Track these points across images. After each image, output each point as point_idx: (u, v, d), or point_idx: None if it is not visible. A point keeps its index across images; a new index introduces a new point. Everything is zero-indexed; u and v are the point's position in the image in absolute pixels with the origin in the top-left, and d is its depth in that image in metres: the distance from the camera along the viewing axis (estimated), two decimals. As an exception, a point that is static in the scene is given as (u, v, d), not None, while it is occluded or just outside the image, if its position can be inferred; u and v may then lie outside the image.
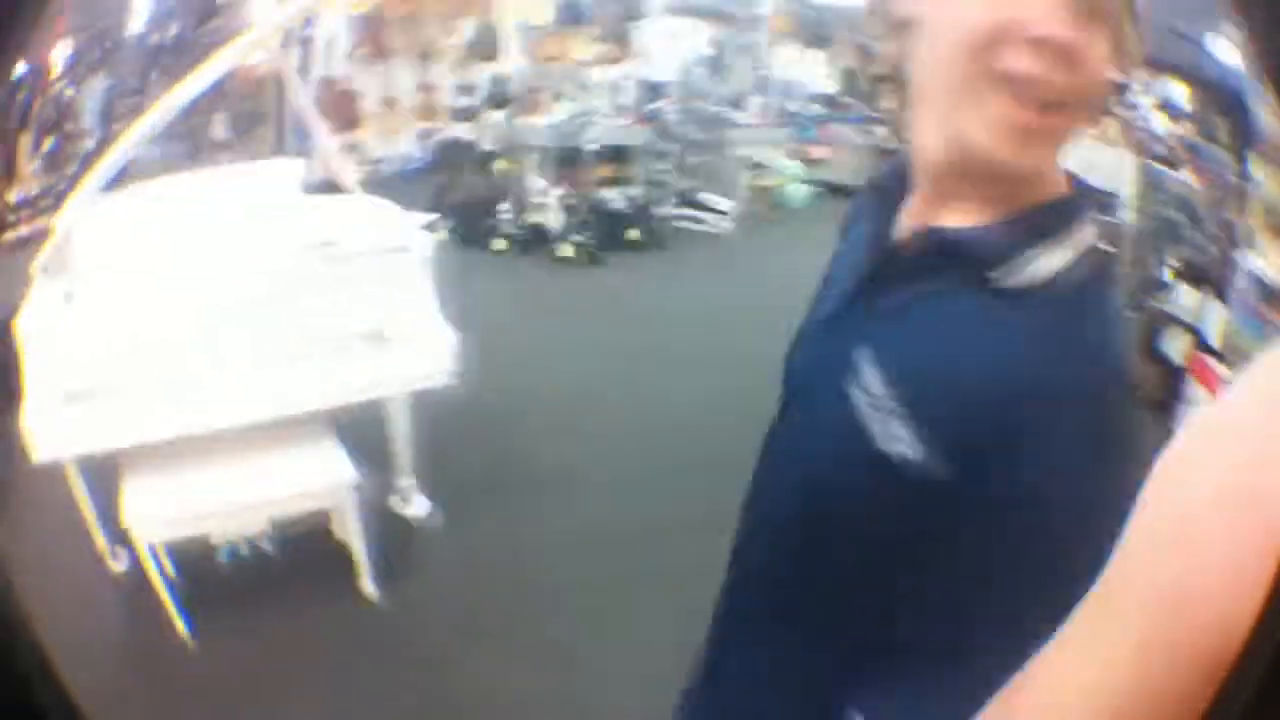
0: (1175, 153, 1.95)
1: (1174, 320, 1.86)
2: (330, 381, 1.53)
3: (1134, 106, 1.94)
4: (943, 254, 0.54)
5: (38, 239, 1.62)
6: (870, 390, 0.53)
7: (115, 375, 1.32)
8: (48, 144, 2.21)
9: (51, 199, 1.94)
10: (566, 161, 2.66)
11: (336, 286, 1.52)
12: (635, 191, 2.66)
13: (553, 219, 2.66)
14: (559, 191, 2.64)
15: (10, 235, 1.82)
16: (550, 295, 2.67)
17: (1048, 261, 0.53)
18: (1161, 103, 1.94)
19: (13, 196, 1.99)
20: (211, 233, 1.57)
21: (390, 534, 1.81)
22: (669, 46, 2.73)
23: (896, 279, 0.56)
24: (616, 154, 2.54)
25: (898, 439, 0.52)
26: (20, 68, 1.65)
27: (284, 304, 1.51)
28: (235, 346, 1.49)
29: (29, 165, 2.15)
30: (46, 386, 1.32)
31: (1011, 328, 0.53)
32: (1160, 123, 1.95)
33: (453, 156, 2.70)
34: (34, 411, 1.33)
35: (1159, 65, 1.84)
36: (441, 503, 1.92)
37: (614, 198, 2.59)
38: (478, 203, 2.77)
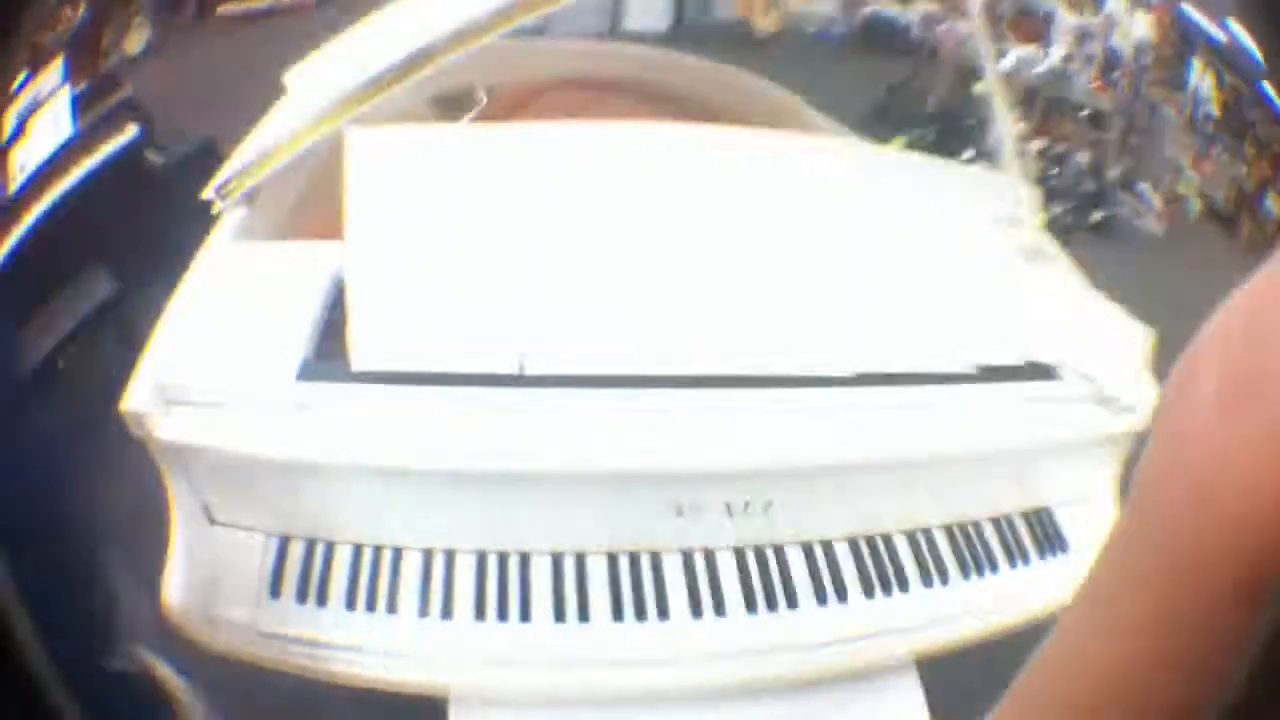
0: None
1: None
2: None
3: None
4: None
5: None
6: None
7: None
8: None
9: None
10: (1052, 108, 2.05)
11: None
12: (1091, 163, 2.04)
13: (1030, 171, 1.97)
14: (1040, 142, 2.06)
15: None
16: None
17: None
18: None
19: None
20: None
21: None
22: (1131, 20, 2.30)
23: None
24: (1093, 118, 2.04)
25: None
26: None
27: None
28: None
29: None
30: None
31: None
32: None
33: (878, 39, 2.01)
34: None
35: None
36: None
37: (1084, 166, 2.02)
38: (946, 120, 2.02)
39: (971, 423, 0.97)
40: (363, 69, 1.02)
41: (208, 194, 1.11)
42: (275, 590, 0.95)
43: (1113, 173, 2.02)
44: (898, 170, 0.94)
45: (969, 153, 2.16)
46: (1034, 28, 2.11)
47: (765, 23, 1.65)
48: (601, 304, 0.87)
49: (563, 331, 0.88)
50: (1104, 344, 1.06)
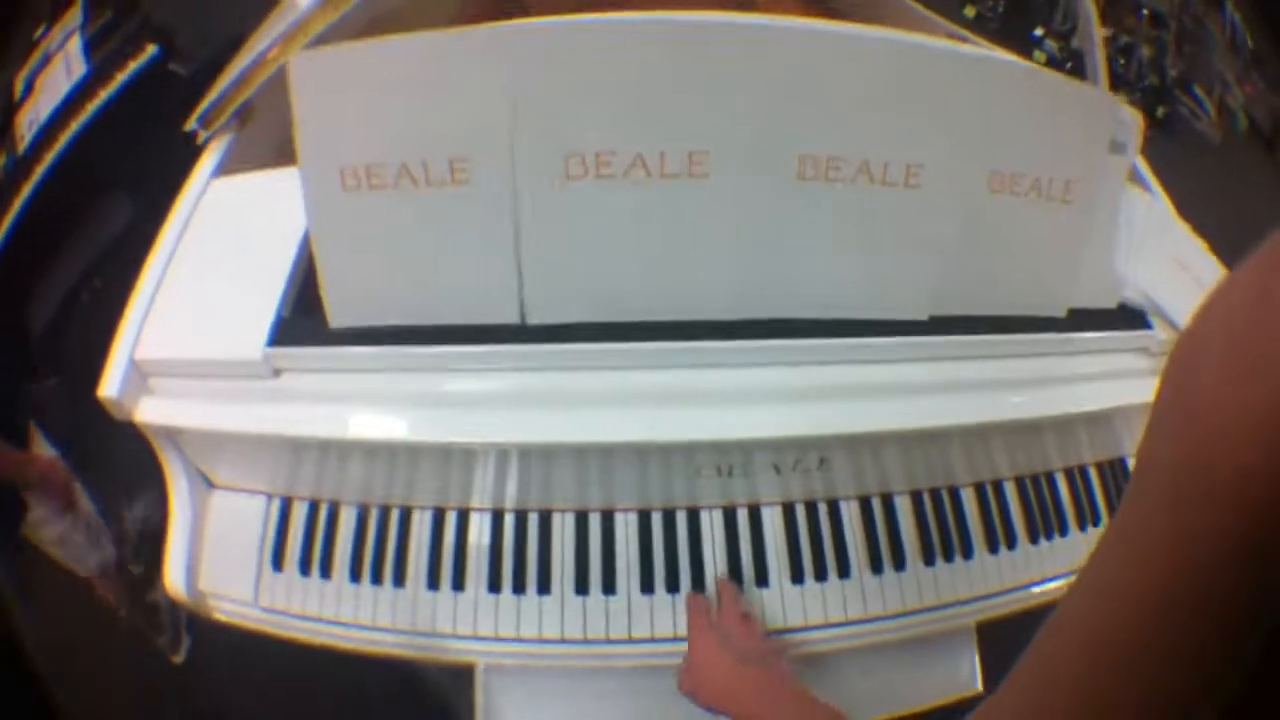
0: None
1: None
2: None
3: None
4: None
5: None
6: None
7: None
8: None
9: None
10: (1115, 1, 2.01)
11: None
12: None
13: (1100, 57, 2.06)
14: (1105, 31, 1.99)
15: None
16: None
17: None
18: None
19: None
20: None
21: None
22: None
23: None
24: (1153, 17, 2.00)
25: None
26: None
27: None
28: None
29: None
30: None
31: None
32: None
33: None
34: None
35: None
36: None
37: (1147, 61, 2.00)
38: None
39: (1058, 376, 0.83)
40: None
41: (191, 124, 0.99)
42: (277, 561, 0.88)
43: (1172, 72, 2.01)
44: (1000, 78, 0.75)
45: (1038, 30, 1.99)
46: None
47: None
48: (615, 239, 0.73)
49: (572, 275, 0.75)
50: (1193, 287, 0.90)
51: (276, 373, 0.79)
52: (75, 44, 1.51)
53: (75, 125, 1.37)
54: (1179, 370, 0.28)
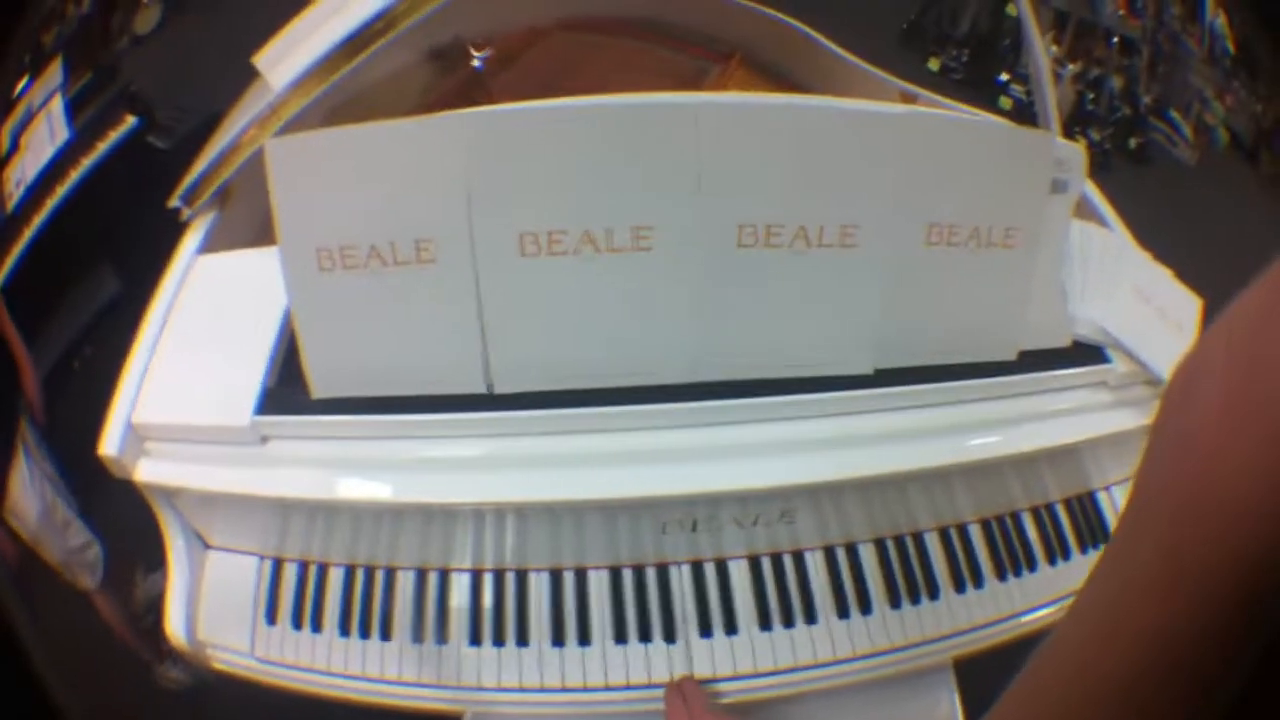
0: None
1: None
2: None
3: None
4: None
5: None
6: None
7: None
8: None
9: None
10: (1083, 33, 2.01)
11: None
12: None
13: (1064, 96, 1.95)
14: (1075, 67, 2.00)
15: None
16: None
17: None
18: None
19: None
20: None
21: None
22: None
23: None
24: (1123, 44, 2.00)
25: None
26: None
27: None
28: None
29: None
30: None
31: None
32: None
33: None
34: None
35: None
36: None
37: (1118, 92, 2.02)
38: (980, 42, 2.01)
39: (1014, 416, 0.85)
40: (327, 38, 0.92)
41: (174, 202, 1.05)
42: (271, 616, 0.93)
43: (1145, 99, 2.01)
44: (931, 133, 0.78)
45: (1004, 76, 2.00)
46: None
47: None
48: (570, 311, 0.77)
49: (533, 345, 0.79)
50: (1154, 317, 0.92)
51: (264, 439, 0.84)
52: (57, 104, 1.56)
53: (61, 191, 1.43)
54: (1178, 395, 0.27)
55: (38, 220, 1.40)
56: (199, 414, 0.85)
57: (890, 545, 0.92)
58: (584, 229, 0.73)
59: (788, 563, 0.89)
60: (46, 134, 1.46)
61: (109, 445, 0.86)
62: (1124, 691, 0.29)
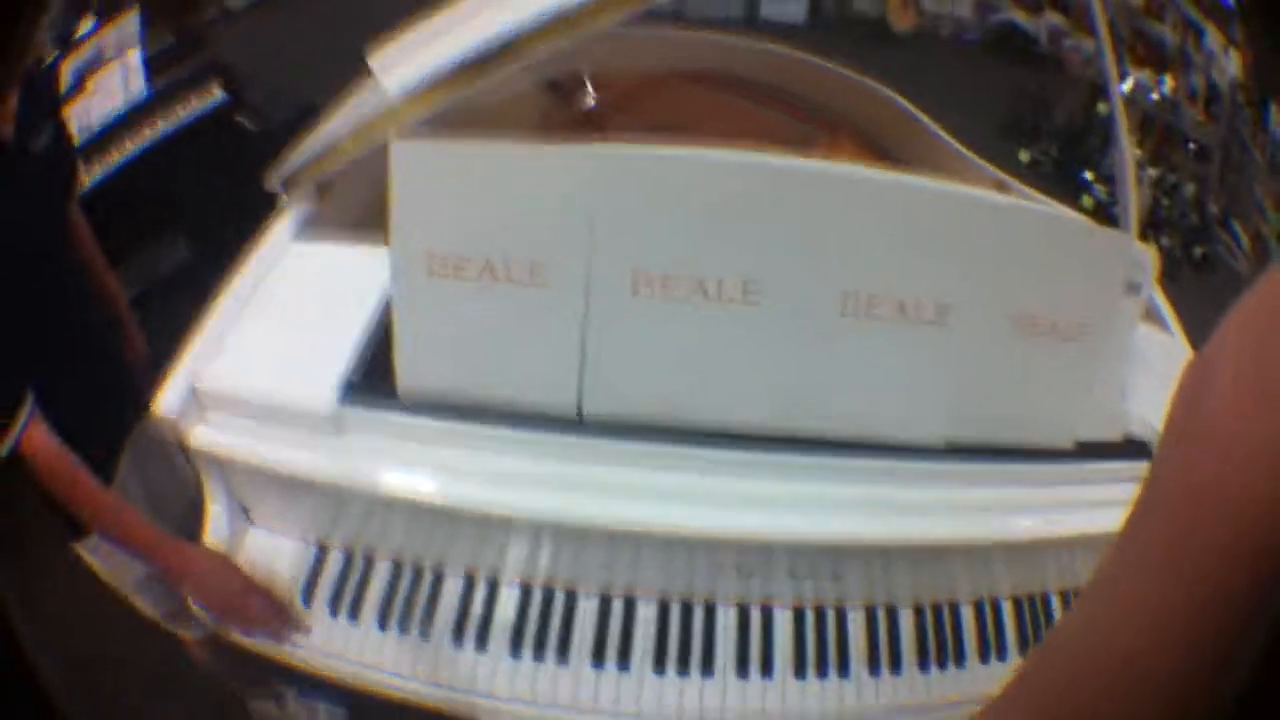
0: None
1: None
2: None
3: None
4: None
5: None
6: None
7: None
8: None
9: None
10: (1166, 138, 2.05)
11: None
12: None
13: (1144, 199, 1.95)
14: (1154, 171, 2.02)
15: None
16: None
17: None
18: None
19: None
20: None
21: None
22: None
23: None
24: (1199, 152, 2.05)
25: None
26: None
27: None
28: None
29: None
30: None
31: None
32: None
33: (1009, 47, 1.98)
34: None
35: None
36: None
37: (1190, 199, 2.06)
38: (1070, 137, 2.00)
39: (1063, 502, 0.89)
40: (451, 53, 0.89)
41: (272, 185, 1.04)
42: (307, 598, 0.93)
43: (1213, 208, 2.07)
44: (1027, 225, 0.82)
45: (1088, 174, 2.06)
46: (1150, 53, 2.04)
47: (902, 20, 1.55)
48: (672, 352, 0.79)
49: (629, 379, 0.80)
50: None
51: (341, 429, 0.85)
52: (134, 57, 1.52)
53: (132, 147, 1.41)
54: (1190, 390, 0.28)
55: (99, 171, 1.38)
56: (278, 394, 0.85)
57: (928, 612, 0.94)
58: (698, 278, 0.75)
59: (830, 616, 0.92)
60: (119, 84, 1.44)
61: (165, 405, 0.86)
62: (1136, 671, 0.29)
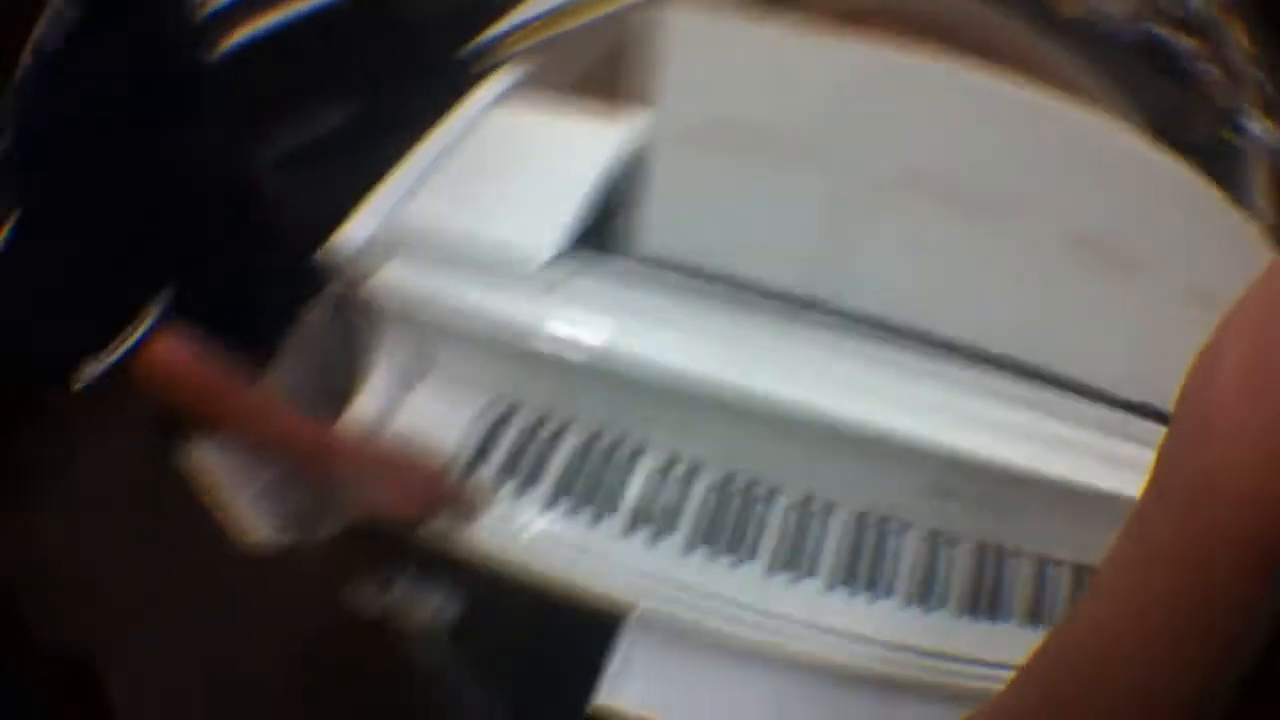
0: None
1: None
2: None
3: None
4: None
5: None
6: None
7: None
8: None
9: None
10: None
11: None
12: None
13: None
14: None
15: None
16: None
17: None
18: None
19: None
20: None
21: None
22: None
23: None
24: None
25: None
26: None
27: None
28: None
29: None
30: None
31: None
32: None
33: (1156, 58, 1.91)
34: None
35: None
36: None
37: None
38: (1203, 151, 1.84)
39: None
40: None
41: (473, 47, 1.04)
42: (471, 473, 0.88)
43: None
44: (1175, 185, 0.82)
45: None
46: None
47: (1068, 6, 1.61)
48: (912, 252, 0.78)
49: (864, 272, 0.79)
50: None
51: (551, 285, 0.83)
52: None
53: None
54: (1198, 376, 0.28)
55: (255, 29, 1.34)
56: (486, 240, 0.83)
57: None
58: (953, 192, 0.76)
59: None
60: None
61: (351, 242, 0.83)
62: (1141, 662, 0.29)
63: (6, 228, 0.74)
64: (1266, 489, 0.25)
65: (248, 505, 1.11)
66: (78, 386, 0.79)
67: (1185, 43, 1.89)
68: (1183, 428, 0.28)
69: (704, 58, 0.78)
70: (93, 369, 0.78)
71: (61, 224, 0.76)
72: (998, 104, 0.76)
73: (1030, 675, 0.34)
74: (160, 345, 0.81)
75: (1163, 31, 1.89)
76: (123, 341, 0.78)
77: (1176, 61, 1.86)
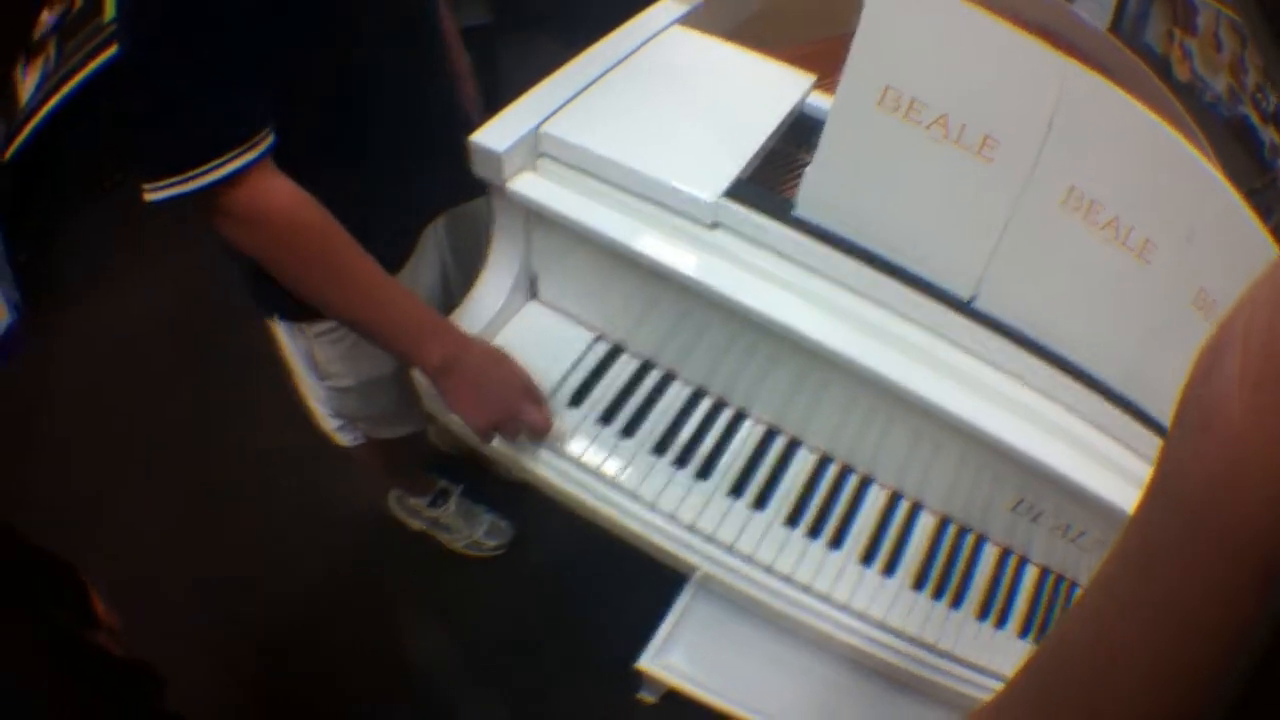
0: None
1: None
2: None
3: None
4: None
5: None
6: None
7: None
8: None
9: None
10: None
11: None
12: None
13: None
14: None
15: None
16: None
17: None
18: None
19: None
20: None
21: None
22: None
23: None
24: None
25: None
26: None
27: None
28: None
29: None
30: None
31: None
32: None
33: (1243, 140, 1.95)
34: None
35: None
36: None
37: None
38: None
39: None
40: None
41: None
42: (579, 398, 0.86)
43: None
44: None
45: None
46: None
47: (1181, 71, 1.64)
48: (1074, 270, 0.78)
49: (1028, 281, 0.78)
50: None
51: (714, 225, 0.80)
52: None
53: None
54: (1202, 369, 0.28)
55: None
56: (654, 166, 0.80)
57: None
58: (1117, 218, 0.76)
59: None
60: None
61: (497, 141, 0.79)
62: (1145, 657, 0.29)
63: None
64: (1268, 489, 0.25)
65: (323, 394, 1.03)
66: (154, 197, 0.68)
67: (1274, 136, 1.95)
68: (1185, 424, 0.28)
69: (907, 25, 0.76)
70: (179, 183, 0.67)
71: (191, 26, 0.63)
72: (1158, 146, 0.76)
73: (1030, 675, 0.34)
74: (277, 181, 0.71)
75: (1253, 117, 1.95)
76: (229, 161, 0.68)
77: (1262, 150, 1.93)
